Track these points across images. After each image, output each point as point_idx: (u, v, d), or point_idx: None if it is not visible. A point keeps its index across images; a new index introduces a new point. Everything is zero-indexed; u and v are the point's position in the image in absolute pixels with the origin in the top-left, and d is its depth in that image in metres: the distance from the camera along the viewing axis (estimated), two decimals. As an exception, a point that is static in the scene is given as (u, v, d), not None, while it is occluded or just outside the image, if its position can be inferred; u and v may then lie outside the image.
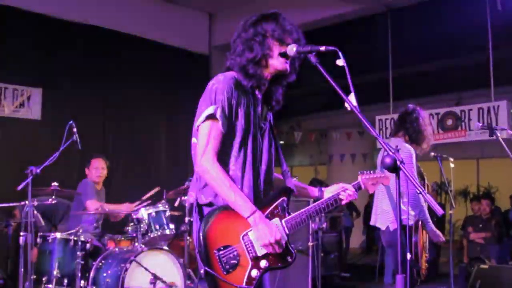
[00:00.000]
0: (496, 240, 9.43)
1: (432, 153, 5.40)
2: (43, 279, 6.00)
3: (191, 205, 3.01)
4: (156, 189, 7.08)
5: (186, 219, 6.27)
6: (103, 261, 6.07)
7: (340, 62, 2.59)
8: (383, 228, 5.05)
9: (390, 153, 2.43)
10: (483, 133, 8.92)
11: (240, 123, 2.88)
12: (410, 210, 4.85)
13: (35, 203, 5.93)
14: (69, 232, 6.26)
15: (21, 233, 5.73)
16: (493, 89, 9.32)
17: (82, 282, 5.99)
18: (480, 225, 9.58)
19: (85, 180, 7.20)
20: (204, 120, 2.83)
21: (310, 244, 7.13)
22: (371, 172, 3.27)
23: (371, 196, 16.30)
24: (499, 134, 5.29)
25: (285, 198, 2.95)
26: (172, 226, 6.64)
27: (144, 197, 7.03)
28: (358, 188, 3.22)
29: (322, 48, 2.72)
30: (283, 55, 2.90)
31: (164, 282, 5.94)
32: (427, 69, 12.98)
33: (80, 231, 6.18)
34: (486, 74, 9.32)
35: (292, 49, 2.85)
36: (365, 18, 10.57)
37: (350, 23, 10.73)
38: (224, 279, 2.70)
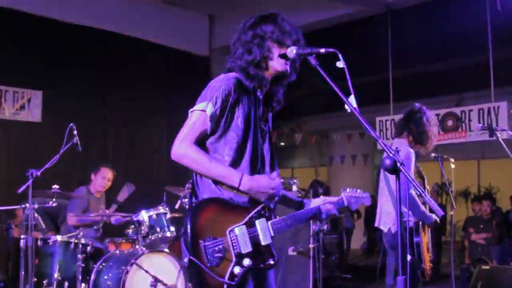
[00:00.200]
0: (497, 241, 9.43)
1: (433, 154, 5.40)
2: (44, 282, 6.00)
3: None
4: (128, 188, 7.06)
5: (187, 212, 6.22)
6: (104, 264, 6.07)
7: (340, 64, 2.59)
8: (385, 230, 5.05)
9: (390, 155, 2.43)
10: (484, 134, 8.91)
11: (237, 123, 2.88)
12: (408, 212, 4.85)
13: (36, 206, 5.93)
14: (69, 234, 6.26)
15: (22, 236, 5.74)
16: (493, 90, 9.32)
17: (83, 285, 5.99)
18: (481, 226, 9.58)
19: (82, 188, 7.21)
20: (193, 111, 2.87)
21: (311, 245, 7.13)
22: (354, 190, 3.37)
23: (372, 198, 16.35)
24: (499, 135, 5.29)
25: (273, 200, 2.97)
26: (172, 228, 6.64)
27: (120, 198, 7.02)
28: (341, 203, 3.28)
29: (322, 50, 2.72)
30: (283, 56, 2.90)
31: (165, 284, 5.94)
32: (427, 70, 12.98)
33: (81, 233, 6.18)
34: (486, 74, 9.31)
35: (291, 51, 2.85)
36: (365, 19, 10.57)
37: (350, 25, 10.74)
38: (208, 270, 2.69)
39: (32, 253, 5.77)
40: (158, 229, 6.52)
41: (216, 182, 2.87)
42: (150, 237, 6.46)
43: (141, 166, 10.50)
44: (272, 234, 2.88)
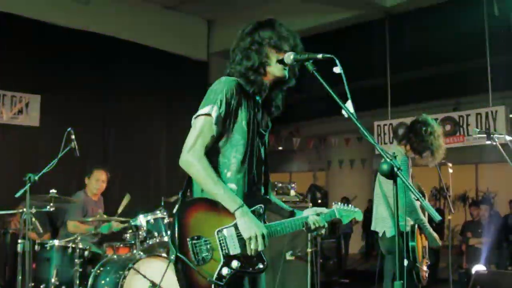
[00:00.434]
0: (495, 246, 9.42)
1: (432, 163, 5.39)
2: (41, 286, 5.98)
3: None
4: (127, 199, 7.06)
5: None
6: (101, 269, 6.05)
7: (337, 69, 2.60)
8: (380, 233, 5.08)
9: (388, 160, 2.44)
10: (481, 138, 8.93)
11: (242, 125, 2.89)
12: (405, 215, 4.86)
13: (34, 210, 5.92)
14: (67, 239, 6.24)
15: (19, 240, 5.73)
16: (491, 95, 9.34)
17: (81, 289, 5.98)
18: (479, 230, 9.58)
19: (80, 193, 7.21)
20: (198, 116, 2.85)
21: (309, 250, 7.12)
22: (345, 205, 3.38)
23: (370, 202, 16.36)
24: (497, 139, 5.29)
25: (262, 205, 2.95)
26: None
27: (120, 210, 7.01)
28: (331, 215, 3.27)
29: (319, 56, 2.73)
30: (281, 62, 2.90)
31: (162, 289, 5.92)
32: (425, 75, 13.01)
33: (78, 238, 6.17)
34: (484, 79, 9.34)
35: (289, 57, 2.85)
36: (363, 24, 10.60)
37: (349, 29, 10.76)
38: (196, 269, 2.67)
39: (30, 257, 5.76)
40: (155, 234, 6.51)
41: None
42: (147, 241, 6.44)
43: (140, 170, 10.50)
44: None
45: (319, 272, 7.48)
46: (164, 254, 6.31)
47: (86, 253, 6.14)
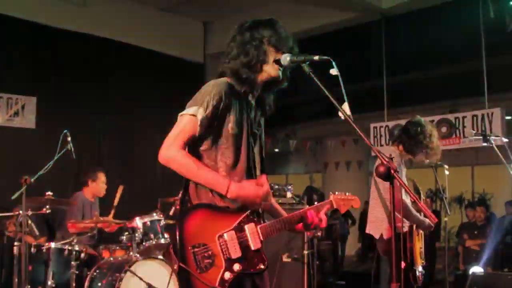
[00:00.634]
0: (491, 247, 9.43)
1: (427, 160, 5.42)
2: (38, 289, 5.98)
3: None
4: (120, 190, 7.05)
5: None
6: (97, 271, 6.04)
7: (334, 71, 2.60)
8: (376, 236, 5.09)
9: (384, 162, 2.44)
10: (477, 140, 8.94)
11: (227, 129, 2.88)
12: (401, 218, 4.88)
13: (30, 213, 5.91)
14: (63, 241, 6.23)
15: (15, 243, 5.72)
16: (487, 96, 9.35)
17: (77, 291, 5.97)
18: (475, 232, 9.58)
19: (79, 194, 7.20)
20: (183, 114, 2.86)
21: (305, 252, 7.12)
22: (343, 193, 3.31)
23: (367, 204, 16.35)
24: (493, 141, 5.31)
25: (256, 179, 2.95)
26: (167, 235, 6.62)
27: (116, 203, 7.01)
28: (330, 206, 3.22)
29: (316, 58, 2.73)
30: (277, 62, 2.90)
31: (159, 291, 5.92)
32: (421, 77, 13.03)
33: (75, 240, 6.16)
34: (480, 81, 9.35)
35: (286, 58, 2.84)
36: (360, 26, 10.61)
37: (345, 31, 10.78)
38: (198, 277, 2.68)
39: (26, 260, 5.75)
40: (152, 236, 6.50)
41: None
42: (144, 243, 6.43)
43: (135, 173, 10.48)
44: (262, 239, 2.86)
45: (316, 274, 7.46)
46: (160, 256, 6.31)
47: (82, 255, 6.12)
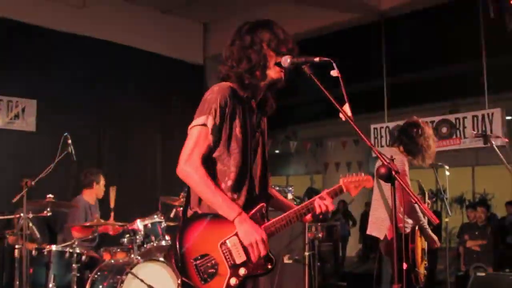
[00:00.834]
0: (492, 248, 9.42)
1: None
2: (39, 291, 5.98)
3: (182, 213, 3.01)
4: (114, 191, 7.06)
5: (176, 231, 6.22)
6: (98, 273, 6.03)
7: (334, 73, 2.60)
8: (381, 236, 5.08)
9: (385, 163, 2.44)
10: (478, 141, 8.94)
11: (236, 133, 2.87)
12: (406, 218, 4.88)
13: (30, 215, 5.91)
14: (64, 244, 6.23)
15: (16, 246, 5.71)
16: (487, 97, 9.36)
17: (78, 294, 5.96)
18: (476, 233, 9.58)
19: (80, 198, 7.20)
20: (193, 127, 2.84)
21: (306, 253, 7.12)
22: (353, 174, 3.14)
23: (368, 205, 16.36)
24: (493, 142, 5.31)
25: (263, 204, 2.92)
26: (168, 237, 6.62)
27: (113, 204, 7.01)
28: (340, 191, 3.07)
29: (317, 59, 2.72)
30: (278, 65, 2.89)
31: (160, 293, 5.91)
32: (421, 77, 13.04)
33: (76, 243, 6.15)
34: (479, 81, 9.35)
35: (286, 60, 2.84)
36: (359, 28, 10.61)
37: (345, 33, 10.78)
38: None
39: (27, 262, 5.75)
40: (153, 238, 6.50)
41: None
42: (145, 246, 6.43)
43: (136, 175, 10.48)
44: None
45: (317, 275, 7.46)
46: (161, 258, 6.31)
47: (83, 257, 6.12)
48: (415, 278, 4.89)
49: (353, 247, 16.26)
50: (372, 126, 10.71)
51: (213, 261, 2.72)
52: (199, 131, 2.81)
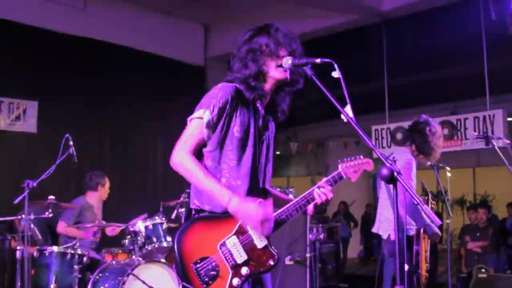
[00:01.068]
0: (494, 249, 9.41)
1: (429, 163, 5.41)
2: (40, 293, 5.98)
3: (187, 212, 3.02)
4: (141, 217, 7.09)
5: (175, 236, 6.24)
6: (100, 275, 6.04)
7: (336, 74, 2.60)
8: (384, 236, 5.08)
9: (387, 164, 2.43)
10: (479, 142, 8.95)
11: (233, 132, 2.88)
12: (411, 219, 4.88)
13: (32, 217, 5.91)
14: (66, 245, 6.23)
15: (18, 247, 5.72)
16: (489, 98, 9.35)
17: (80, 295, 5.97)
18: (477, 234, 9.56)
19: (80, 199, 7.20)
20: (191, 119, 2.87)
21: (307, 255, 7.12)
22: (352, 158, 3.02)
23: (368, 206, 16.37)
24: (495, 143, 5.30)
25: (261, 199, 2.89)
26: (169, 238, 6.62)
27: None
28: (339, 177, 2.99)
29: (318, 61, 2.72)
30: (281, 66, 2.90)
31: (161, 294, 5.92)
32: (422, 79, 13.02)
33: (77, 244, 6.16)
34: (481, 83, 9.35)
35: (287, 62, 2.84)
36: (361, 29, 10.60)
37: (346, 34, 10.77)
38: None
39: (29, 264, 5.75)
40: (154, 239, 6.51)
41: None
42: (146, 247, 6.44)
43: (137, 176, 10.49)
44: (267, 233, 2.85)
45: (318, 277, 7.46)
46: (163, 260, 6.31)
47: (85, 259, 6.13)
48: (417, 280, 4.88)
49: (354, 249, 16.25)
50: (373, 127, 10.71)
51: (213, 263, 2.72)
52: (195, 124, 2.85)
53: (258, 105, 3.01)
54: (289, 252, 6.88)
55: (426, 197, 5.48)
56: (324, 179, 2.99)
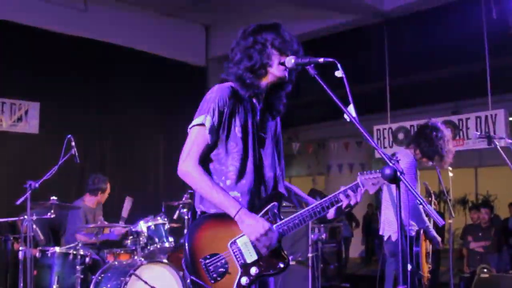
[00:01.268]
0: (496, 249, 9.40)
1: (430, 162, 5.41)
2: (43, 293, 5.98)
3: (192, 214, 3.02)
4: (129, 202, 7.06)
5: (185, 231, 6.24)
6: (102, 275, 6.05)
7: (339, 73, 2.60)
8: (385, 237, 5.08)
9: (390, 164, 2.43)
10: (481, 142, 8.94)
11: (235, 132, 2.88)
12: (411, 220, 4.88)
13: (34, 218, 5.92)
14: (68, 246, 6.24)
15: (20, 248, 5.72)
16: (490, 98, 9.34)
17: (82, 296, 5.97)
18: (480, 234, 9.55)
19: (79, 201, 7.21)
20: (192, 127, 2.86)
21: (309, 255, 7.12)
22: (371, 172, 2.95)
23: (370, 206, 16.36)
24: (497, 143, 5.30)
25: (275, 203, 2.91)
26: (171, 239, 6.63)
27: (126, 214, 7.01)
28: (356, 188, 2.94)
29: (321, 60, 2.72)
30: (282, 64, 2.89)
31: (164, 295, 5.92)
32: (424, 79, 13.00)
33: (79, 245, 6.16)
34: (483, 82, 9.34)
35: (290, 61, 2.84)
36: (362, 29, 10.60)
37: (347, 34, 10.76)
38: (212, 287, 2.68)
39: (31, 264, 5.76)
40: (156, 240, 6.52)
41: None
42: (148, 247, 6.45)
43: (139, 177, 10.49)
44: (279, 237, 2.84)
45: (320, 277, 7.46)
46: (165, 260, 6.32)
47: (87, 259, 6.13)
48: (419, 281, 4.88)
49: (356, 249, 16.25)
50: (375, 128, 10.70)
51: (222, 260, 2.73)
52: (197, 131, 2.84)
53: (254, 101, 3.00)
54: (291, 252, 6.88)
55: (430, 199, 5.48)
56: (343, 187, 2.94)
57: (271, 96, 3.06)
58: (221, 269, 2.71)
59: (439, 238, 5.09)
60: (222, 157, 2.89)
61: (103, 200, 7.40)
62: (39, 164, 7.67)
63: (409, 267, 2.71)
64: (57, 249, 6.15)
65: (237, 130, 2.89)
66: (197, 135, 2.84)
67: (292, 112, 3.17)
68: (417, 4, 9.51)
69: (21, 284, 5.66)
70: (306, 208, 2.91)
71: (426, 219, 4.92)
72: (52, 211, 6.11)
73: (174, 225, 6.99)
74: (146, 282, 5.85)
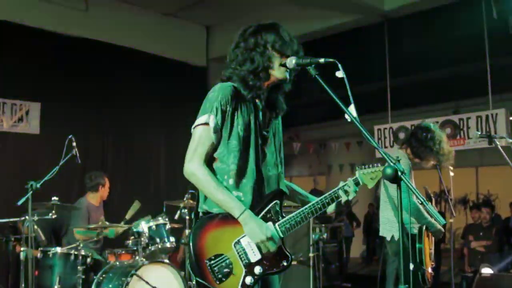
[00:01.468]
0: (497, 248, 9.40)
1: (432, 162, 5.42)
2: (44, 294, 5.98)
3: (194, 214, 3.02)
4: (136, 206, 7.06)
5: (187, 231, 6.26)
6: (104, 275, 6.05)
7: (340, 74, 2.60)
8: (388, 237, 5.09)
9: (391, 164, 2.44)
10: (482, 141, 8.93)
11: (237, 131, 2.89)
12: (413, 218, 4.90)
13: (36, 218, 5.92)
14: (69, 246, 6.24)
15: (22, 248, 5.72)
16: (491, 97, 9.34)
17: (84, 296, 5.97)
18: (481, 233, 9.55)
19: (82, 200, 7.21)
20: (196, 126, 2.87)
21: (311, 254, 7.13)
22: (370, 166, 2.97)
23: (371, 206, 16.35)
24: (498, 142, 5.30)
25: (277, 201, 2.93)
26: (172, 239, 6.63)
27: (128, 217, 7.01)
28: (356, 184, 2.96)
29: (321, 60, 2.73)
30: (284, 66, 2.91)
31: (165, 295, 5.92)
32: (424, 78, 13.02)
33: (81, 245, 6.16)
34: (483, 82, 9.34)
35: (291, 61, 2.85)
36: (363, 29, 10.60)
37: (348, 34, 10.76)
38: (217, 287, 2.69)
39: (32, 265, 5.76)
40: (158, 240, 6.51)
41: None
42: (150, 248, 6.45)
43: (140, 177, 10.49)
44: (281, 236, 2.85)
45: (321, 277, 7.47)
46: (166, 260, 6.32)
47: (88, 260, 6.13)
48: (422, 277, 4.89)
49: (357, 248, 16.24)
50: (376, 127, 10.70)
51: (227, 261, 2.74)
52: (201, 130, 2.86)
53: (256, 100, 3.01)
54: (292, 251, 6.87)
55: (430, 201, 5.51)
56: (341, 184, 2.97)
57: (272, 95, 3.07)
58: (226, 270, 2.72)
59: (439, 226, 5.10)
60: (225, 156, 2.89)
61: (105, 196, 7.38)
62: (40, 164, 7.69)
63: (411, 266, 2.70)
64: (59, 249, 6.14)
65: (239, 128, 2.90)
66: (201, 134, 2.85)
67: (293, 112, 3.18)
68: (417, 4, 9.51)
69: (23, 285, 5.65)
70: (307, 205, 2.93)
71: (426, 214, 4.94)
72: (54, 211, 6.11)
73: (176, 225, 6.99)
74: (147, 282, 5.85)
